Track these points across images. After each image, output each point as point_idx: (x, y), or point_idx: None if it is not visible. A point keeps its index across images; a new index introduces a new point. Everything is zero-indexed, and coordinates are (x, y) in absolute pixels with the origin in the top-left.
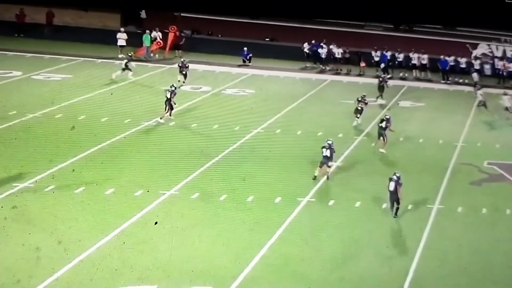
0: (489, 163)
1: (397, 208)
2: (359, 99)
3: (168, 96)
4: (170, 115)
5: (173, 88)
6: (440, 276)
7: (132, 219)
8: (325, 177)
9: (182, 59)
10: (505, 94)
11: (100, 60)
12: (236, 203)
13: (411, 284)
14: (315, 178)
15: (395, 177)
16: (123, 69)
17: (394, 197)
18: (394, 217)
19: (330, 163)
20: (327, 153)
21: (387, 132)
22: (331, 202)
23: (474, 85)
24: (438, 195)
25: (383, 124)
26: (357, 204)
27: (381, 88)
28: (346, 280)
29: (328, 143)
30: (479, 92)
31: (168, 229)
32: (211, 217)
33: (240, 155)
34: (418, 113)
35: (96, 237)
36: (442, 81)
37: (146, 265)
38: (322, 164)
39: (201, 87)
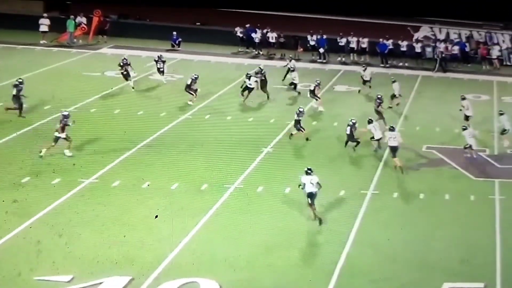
0: (428, 147)
1: (358, 142)
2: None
3: (188, 83)
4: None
5: (195, 76)
6: (373, 262)
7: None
8: (255, 163)
9: (159, 55)
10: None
11: (21, 47)
12: (160, 190)
13: (342, 271)
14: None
15: (351, 122)
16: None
17: (350, 139)
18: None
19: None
20: (295, 116)
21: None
22: (259, 189)
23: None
24: (373, 180)
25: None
26: (287, 190)
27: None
28: (275, 266)
29: (299, 110)
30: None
31: (87, 217)
32: (133, 204)
33: (165, 142)
34: (354, 97)
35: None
36: (381, 65)
37: (62, 255)
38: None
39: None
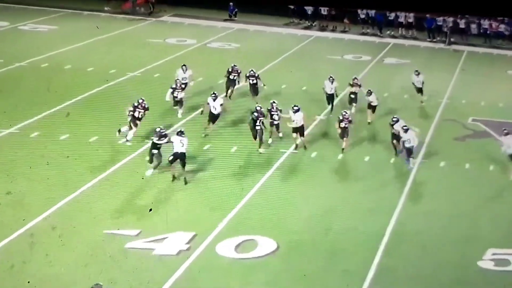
0: (473, 120)
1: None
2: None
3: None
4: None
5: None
6: (421, 229)
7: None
8: (308, 129)
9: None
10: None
11: (87, 13)
12: (220, 152)
13: (392, 236)
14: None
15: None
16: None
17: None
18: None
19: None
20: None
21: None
22: (313, 154)
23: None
24: (421, 149)
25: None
26: (340, 156)
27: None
28: (330, 230)
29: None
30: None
31: (149, 177)
32: (195, 167)
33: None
34: (403, 70)
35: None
36: (428, 39)
37: (129, 211)
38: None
39: (186, 40)
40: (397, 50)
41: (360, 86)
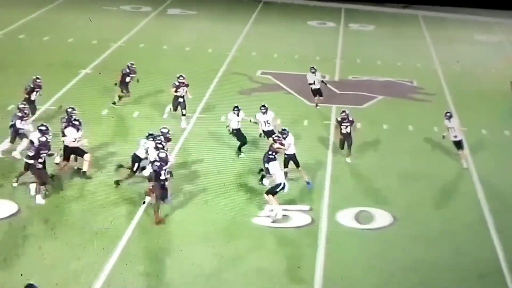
0: (263, 73)
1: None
2: None
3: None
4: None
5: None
6: (199, 187)
7: None
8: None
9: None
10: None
11: None
12: None
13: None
14: None
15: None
16: None
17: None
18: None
19: None
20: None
21: None
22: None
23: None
24: (200, 104)
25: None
26: (104, 112)
27: None
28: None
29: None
30: None
31: None
32: None
33: None
34: (188, 21)
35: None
36: None
37: None
38: None
39: None
40: (184, 0)
41: (187, 85)
